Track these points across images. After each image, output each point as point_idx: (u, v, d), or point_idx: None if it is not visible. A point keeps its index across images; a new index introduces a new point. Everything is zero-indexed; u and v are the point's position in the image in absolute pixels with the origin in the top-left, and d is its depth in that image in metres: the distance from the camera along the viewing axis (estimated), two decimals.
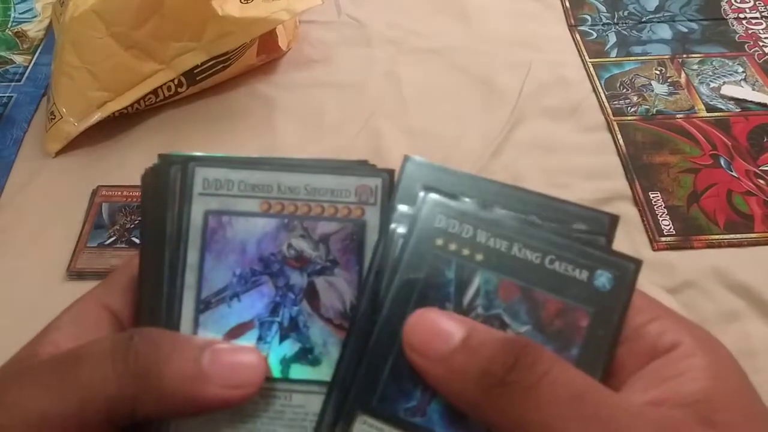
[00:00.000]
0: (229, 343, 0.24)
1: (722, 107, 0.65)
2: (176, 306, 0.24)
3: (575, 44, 0.73)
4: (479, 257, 0.23)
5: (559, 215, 0.24)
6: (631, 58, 0.71)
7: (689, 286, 0.51)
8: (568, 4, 0.78)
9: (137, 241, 0.53)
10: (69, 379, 0.21)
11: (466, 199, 0.24)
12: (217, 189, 0.25)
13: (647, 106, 0.65)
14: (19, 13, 0.78)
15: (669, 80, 0.68)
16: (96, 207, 0.56)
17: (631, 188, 0.58)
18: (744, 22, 0.75)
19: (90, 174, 0.59)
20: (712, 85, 0.67)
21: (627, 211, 0.56)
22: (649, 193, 0.57)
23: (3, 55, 0.72)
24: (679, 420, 0.20)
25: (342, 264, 0.24)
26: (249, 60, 0.67)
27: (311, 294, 0.24)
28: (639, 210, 0.56)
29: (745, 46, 0.72)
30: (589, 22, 0.75)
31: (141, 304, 0.25)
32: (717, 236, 0.54)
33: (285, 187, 0.25)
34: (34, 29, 0.76)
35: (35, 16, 0.77)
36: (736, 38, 0.73)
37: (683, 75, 0.68)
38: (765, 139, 0.62)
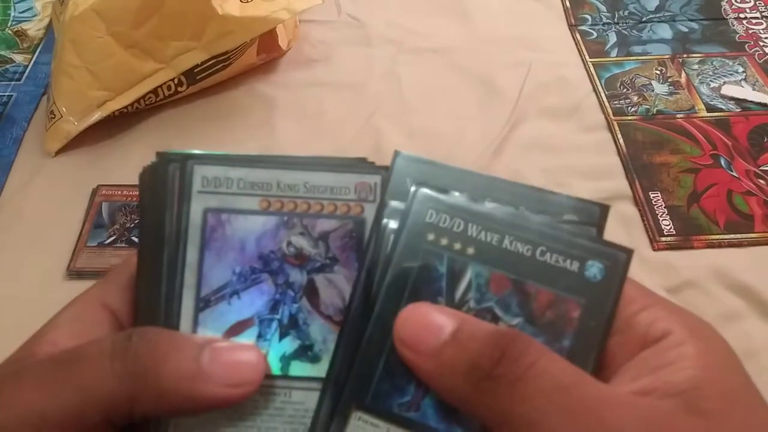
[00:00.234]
0: (229, 341, 0.24)
1: (722, 107, 0.65)
2: (175, 304, 0.24)
3: (575, 44, 0.73)
4: (470, 251, 0.23)
5: (549, 207, 0.24)
6: (632, 57, 0.71)
7: (689, 286, 0.51)
8: (568, 4, 0.78)
9: (137, 240, 0.53)
10: (68, 379, 0.21)
11: (457, 194, 0.24)
12: (217, 187, 0.25)
13: (647, 106, 0.65)
14: (19, 12, 0.78)
15: (669, 80, 0.68)
16: (96, 206, 0.56)
17: (632, 188, 0.58)
18: (744, 22, 0.75)
19: (90, 173, 0.59)
20: (713, 85, 0.67)
21: (627, 211, 0.56)
22: (650, 193, 0.57)
23: (3, 54, 0.72)
24: (666, 409, 0.20)
25: (342, 261, 0.24)
26: (249, 59, 0.67)
27: (311, 291, 0.24)
28: (639, 210, 0.56)
29: (746, 46, 0.72)
30: (590, 22, 0.75)
31: (139, 303, 0.25)
32: (717, 236, 0.54)
33: (284, 184, 0.25)
34: (34, 28, 0.76)
35: (35, 15, 0.77)
36: (737, 38, 0.73)
37: (683, 75, 0.68)
38: (765, 139, 0.62)
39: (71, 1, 0.59)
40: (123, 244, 0.54)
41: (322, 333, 0.24)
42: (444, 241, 0.23)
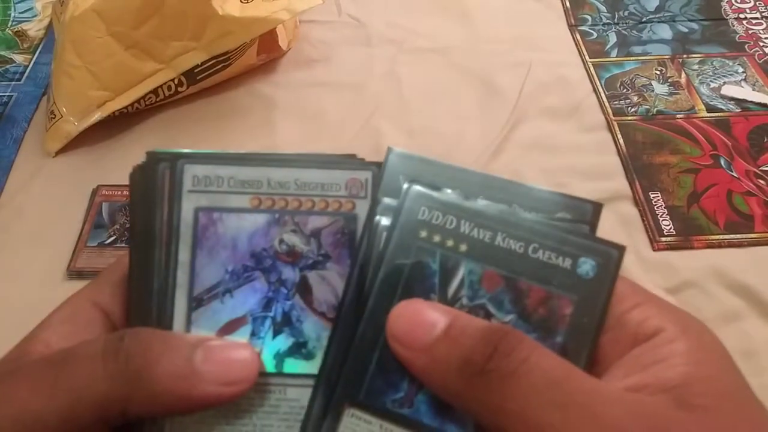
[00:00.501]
0: (222, 340, 0.24)
1: (722, 107, 0.65)
2: (168, 304, 0.24)
3: (575, 44, 0.73)
4: (463, 248, 0.23)
5: (542, 204, 0.24)
6: (632, 58, 0.71)
7: (689, 286, 0.51)
8: (568, 4, 0.78)
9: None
10: (60, 379, 0.21)
11: (449, 191, 0.24)
12: (207, 186, 0.25)
13: (647, 106, 0.65)
14: (19, 13, 0.78)
15: (669, 80, 0.68)
16: (96, 206, 0.56)
17: (632, 188, 0.58)
18: (744, 22, 0.75)
19: (90, 174, 0.59)
20: (713, 85, 0.67)
21: (627, 211, 0.56)
22: (650, 193, 0.57)
23: (3, 55, 0.72)
24: (657, 405, 0.20)
25: (334, 258, 0.24)
26: (249, 60, 0.67)
27: (304, 288, 0.24)
28: (639, 210, 0.56)
29: (746, 47, 0.72)
30: (590, 22, 0.75)
31: (131, 303, 0.25)
32: (717, 236, 0.54)
33: (275, 182, 0.25)
34: (34, 28, 0.76)
35: (35, 16, 0.77)
36: (737, 38, 0.73)
37: (683, 75, 0.68)
38: (765, 140, 0.62)
39: (71, 2, 0.59)
40: (123, 245, 0.54)
41: (316, 330, 0.24)
42: (436, 238, 0.23)
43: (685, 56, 0.70)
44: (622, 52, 0.71)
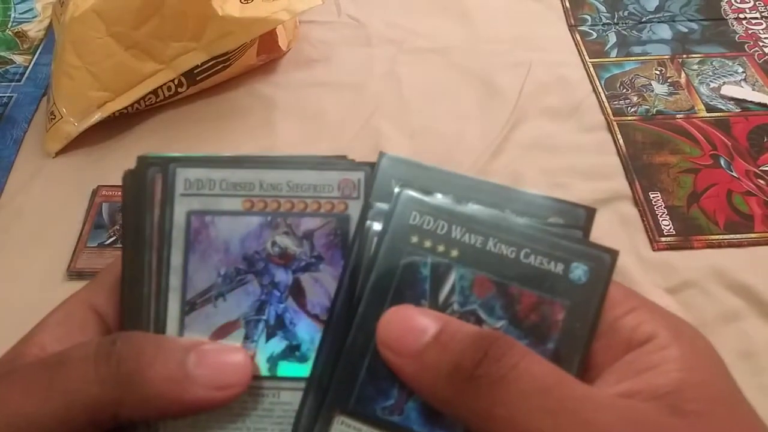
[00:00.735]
0: (215, 343, 0.23)
1: (722, 107, 0.65)
2: (161, 308, 0.24)
3: (575, 44, 0.73)
4: (454, 253, 0.23)
5: (534, 209, 0.24)
6: (631, 58, 0.71)
7: (689, 286, 0.51)
8: (568, 4, 0.78)
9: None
10: (53, 383, 0.21)
11: (441, 196, 0.24)
12: (199, 189, 0.24)
13: (647, 106, 0.65)
14: (19, 13, 0.78)
15: (669, 80, 0.68)
16: (96, 207, 0.56)
17: (631, 188, 0.58)
18: (744, 22, 0.75)
19: (90, 174, 0.59)
20: (712, 85, 0.67)
21: (627, 211, 0.56)
22: (649, 193, 0.57)
23: (3, 55, 0.72)
24: (649, 411, 0.20)
25: (327, 260, 0.24)
26: (249, 60, 0.67)
27: (297, 291, 0.24)
28: (639, 210, 0.56)
29: (745, 47, 0.72)
30: (589, 22, 0.75)
31: (123, 306, 0.25)
32: (717, 236, 0.54)
33: (267, 184, 0.25)
34: (34, 29, 0.76)
35: (35, 16, 0.77)
36: (736, 38, 0.73)
37: (683, 75, 0.68)
38: (765, 139, 0.62)
39: (71, 2, 0.59)
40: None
41: (309, 333, 0.24)
42: (427, 244, 0.23)
43: (684, 56, 0.70)
44: (622, 52, 0.71)
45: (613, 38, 0.73)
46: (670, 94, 0.66)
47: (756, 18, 0.75)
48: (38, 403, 0.21)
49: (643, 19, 0.76)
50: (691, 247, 0.54)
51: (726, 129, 0.62)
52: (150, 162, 0.25)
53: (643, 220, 0.55)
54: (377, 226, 0.24)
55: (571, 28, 0.75)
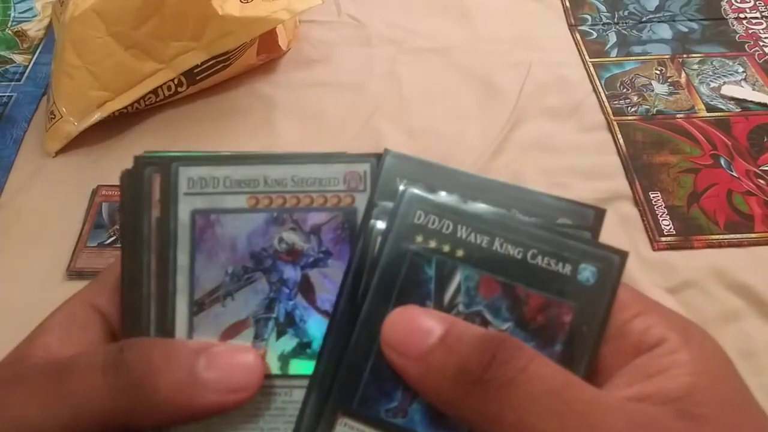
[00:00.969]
0: (225, 345, 0.23)
1: (722, 107, 0.65)
2: (169, 310, 0.24)
3: (575, 44, 0.72)
4: (460, 253, 0.23)
5: (542, 209, 0.24)
6: (631, 57, 0.71)
7: (689, 286, 0.51)
8: (568, 4, 0.78)
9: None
10: (61, 391, 0.21)
11: (446, 194, 0.23)
12: (203, 187, 0.24)
13: (647, 106, 0.65)
14: (19, 13, 0.78)
15: (669, 80, 0.68)
16: (96, 207, 0.56)
17: (631, 188, 0.58)
18: (744, 22, 0.75)
19: (90, 174, 0.59)
20: (713, 85, 0.67)
21: (627, 211, 0.56)
22: (649, 193, 0.57)
23: (3, 55, 0.72)
24: (658, 415, 0.20)
25: (335, 254, 0.24)
26: (249, 60, 0.66)
27: (306, 287, 0.24)
28: (639, 210, 0.56)
29: (746, 46, 0.71)
30: (589, 22, 0.75)
31: (124, 308, 0.24)
32: (717, 236, 0.54)
33: (271, 180, 0.24)
34: (34, 29, 0.76)
35: (35, 16, 0.77)
36: (737, 38, 0.73)
37: (683, 75, 0.68)
38: (765, 139, 0.62)
39: (71, 2, 0.59)
40: None
41: (320, 329, 0.24)
42: (432, 243, 0.23)
43: (685, 56, 0.70)
44: (622, 51, 0.71)
45: (613, 38, 0.73)
46: (671, 93, 0.66)
47: (756, 18, 0.75)
48: (44, 409, 0.21)
49: (644, 19, 0.76)
50: (691, 247, 0.54)
51: (726, 129, 0.62)
52: (147, 161, 0.24)
53: (643, 220, 0.55)
54: (381, 225, 0.23)
55: (571, 27, 0.75)
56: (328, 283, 0.24)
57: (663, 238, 0.54)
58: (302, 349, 0.24)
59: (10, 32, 0.75)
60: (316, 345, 0.24)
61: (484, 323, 0.22)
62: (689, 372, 0.21)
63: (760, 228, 0.54)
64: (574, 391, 0.20)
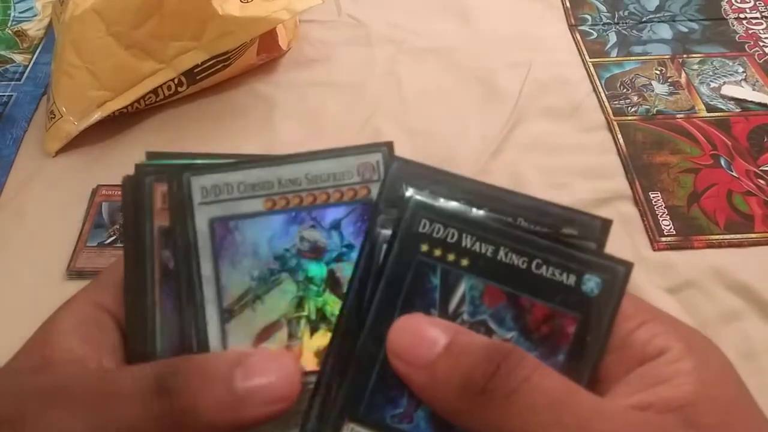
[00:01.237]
0: (260, 352, 0.23)
1: (722, 107, 0.65)
2: (200, 321, 0.24)
3: (575, 44, 0.73)
4: (465, 262, 0.23)
5: (548, 218, 0.23)
6: (632, 58, 0.71)
7: (689, 286, 0.51)
8: (568, 4, 0.78)
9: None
10: (106, 415, 0.21)
11: (452, 202, 0.23)
12: (217, 195, 0.24)
13: (647, 106, 0.65)
14: (19, 12, 0.78)
15: (669, 80, 0.68)
16: (96, 206, 0.56)
17: (632, 188, 0.58)
18: (744, 22, 0.75)
19: (90, 173, 0.59)
20: (713, 85, 0.67)
21: (627, 211, 0.56)
22: (650, 193, 0.57)
23: (3, 54, 0.72)
24: (661, 424, 0.20)
25: (358, 247, 0.24)
26: (249, 59, 0.66)
27: (333, 282, 0.24)
28: (639, 210, 0.56)
29: (746, 46, 0.72)
30: (590, 22, 0.75)
31: (128, 317, 0.24)
32: (717, 236, 0.54)
33: (285, 180, 0.24)
34: (34, 28, 0.76)
35: (35, 15, 0.77)
36: (737, 38, 0.73)
37: (683, 75, 0.68)
38: (765, 139, 0.62)
39: (71, 1, 0.59)
40: (123, 245, 0.54)
41: None
42: (437, 252, 0.23)
43: (685, 56, 0.70)
44: (622, 52, 0.71)
45: (613, 38, 0.73)
46: (671, 93, 0.66)
47: (756, 18, 0.75)
48: (88, 430, 0.21)
49: (644, 19, 0.76)
50: (691, 247, 0.54)
51: (726, 129, 0.62)
52: (147, 170, 0.24)
53: (643, 220, 0.55)
54: (387, 233, 0.23)
55: (572, 27, 0.75)
56: None
57: (663, 238, 0.54)
58: None
59: (10, 32, 0.75)
60: None
61: (489, 332, 0.22)
62: (692, 381, 0.21)
63: (760, 228, 0.55)
64: (577, 400, 0.20)
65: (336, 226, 0.24)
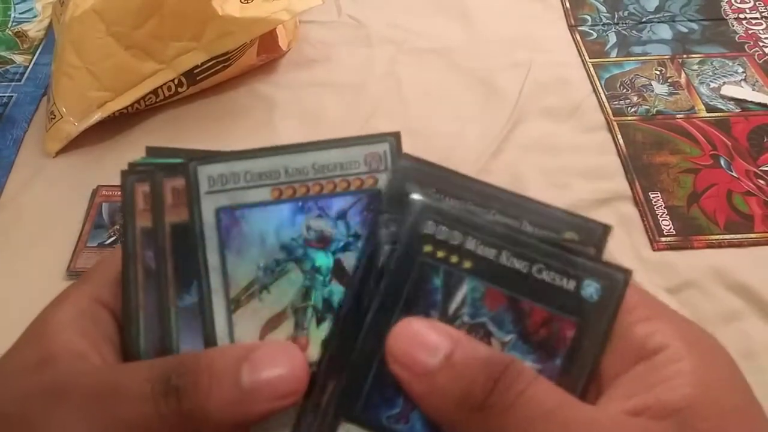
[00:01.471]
0: (266, 345, 0.23)
1: (722, 107, 0.65)
2: (207, 311, 0.24)
3: (575, 44, 0.73)
4: (467, 264, 0.23)
5: (551, 222, 0.24)
6: (631, 58, 0.71)
7: (689, 286, 0.51)
8: (568, 4, 0.78)
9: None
10: (112, 415, 0.21)
11: (457, 203, 0.24)
12: (224, 184, 0.24)
13: (647, 107, 0.65)
14: (19, 13, 0.78)
15: (669, 80, 0.68)
16: (96, 207, 0.56)
17: (631, 188, 0.58)
18: (744, 22, 0.75)
19: (90, 174, 0.59)
20: (712, 85, 0.67)
21: (627, 211, 0.56)
22: (649, 193, 0.57)
23: (3, 55, 0.72)
24: (658, 430, 0.20)
25: (364, 237, 0.24)
26: (249, 60, 0.67)
27: (340, 272, 0.24)
28: (639, 210, 0.56)
29: (745, 47, 0.72)
30: (589, 22, 0.75)
31: (122, 316, 0.24)
32: (717, 236, 0.54)
33: (292, 169, 0.24)
34: (34, 29, 0.76)
35: (35, 16, 0.77)
36: (736, 38, 0.73)
37: (683, 75, 0.68)
38: (765, 140, 0.62)
39: (71, 2, 0.59)
40: None
41: None
42: (441, 254, 0.23)
43: (684, 56, 0.70)
44: (622, 52, 0.71)
45: (613, 38, 0.73)
46: (670, 94, 0.66)
47: (756, 18, 0.75)
48: (94, 429, 0.21)
49: (643, 19, 0.76)
50: (691, 247, 0.54)
51: (726, 129, 0.62)
52: (130, 172, 0.24)
53: (643, 220, 0.55)
54: (390, 233, 0.23)
55: (571, 28, 0.75)
56: None
57: (663, 239, 0.54)
58: None
59: (10, 33, 0.75)
60: None
61: (488, 335, 0.23)
62: (691, 383, 0.21)
63: (760, 228, 0.55)
64: (571, 410, 0.21)
65: (342, 215, 0.24)
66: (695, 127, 0.63)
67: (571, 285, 0.23)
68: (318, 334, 0.24)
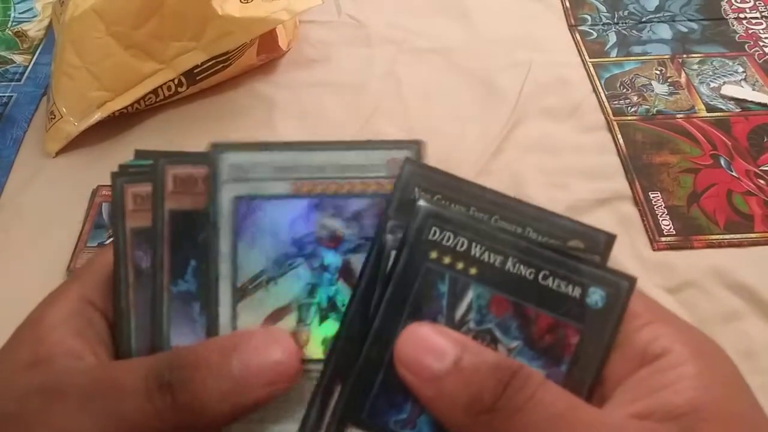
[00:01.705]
0: (254, 332, 0.23)
1: (722, 107, 0.65)
2: (212, 297, 0.24)
3: (575, 44, 0.73)
4: (473, 271, 0.23)
5: (556, 230, 0.24)
6: (631, 58, 0.71)
7: (689, 286, 0.51)
8: (568, 4, 0.78)
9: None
10: (110, 411, 0.21)
11: (462, 209, 0.24)
12: (245, 173, 0.24)
13: (647, 106, 0.65)
14: (19, 13, 0.78)
15: (669, 80, 0.68)
16: (96, 207, 0.56)
17: (631, 188, 0.58)
18: (744, 22, 0.75)
19: (90, 174, 0.59)
20: (713, 85, 0.67)
21: (627, 211, 0.56)
22: (649, 193, 0.57)
23: (3, 55, 0.72)
24: None
25: (371, 242, 0.24)
26: (249, 60, 0.67)
27: (347, 273, 0.24)
28: (639, 210, 0.56)
29: (746, 46, 0.71)
30: (589, 22, 0.75)
31: (115, 311, 0.24)
32: (717, 236, 0.54)
33: (314, 166, 0.24)
34: (34, 29, 0.76)
35: (35, 16, 0.77)
36: (737, 38, 0.73)
37: (683, 75, 0.68)
38: (765, 139, 0.62)
39: (71, 2, 0.59)
40: None
41: None
42: (446, 260, 0.23)
43: (685, 56, 0.70)
44: (622, 52, 0.71)
45: (613, 38, 0.73)
46: (670, 93, 0.66)
47: (756, 18, 0.75)
48: (93, 426, 0.21)
49: (643, 19, 0.76)
50: (691, 247, 0.54)
51: (726, 129, 0.62)
52: (122, 172, 0.25)
53: (643, 220, 0.55)
54: (395, 239, 0.23)
55: (571, 28, 0.75)
56: None
57: (663, 238, 0.54)
58: None
59: (10, 32, 0.75)
60: None
61: (494, 341, 0.23)
62: (695, 386, 0.21)
63: (760, 228, 0.55)
64: (578, 414, 0.21)
65: (356, 217, 0.24)
66: (695, 126, 0.63)
67: (576, 292, 0.23)
68: (319, 331, 0.24)
